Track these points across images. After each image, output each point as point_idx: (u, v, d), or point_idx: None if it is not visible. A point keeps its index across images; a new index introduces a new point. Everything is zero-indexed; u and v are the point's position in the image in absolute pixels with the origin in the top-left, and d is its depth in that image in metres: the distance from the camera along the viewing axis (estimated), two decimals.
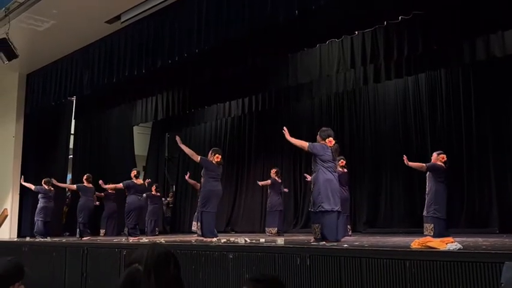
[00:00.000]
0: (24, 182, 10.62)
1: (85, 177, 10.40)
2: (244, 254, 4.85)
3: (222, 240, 6.16)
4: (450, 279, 3.34)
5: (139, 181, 9.62)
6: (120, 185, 9.43)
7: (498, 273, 3.12)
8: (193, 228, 10.77)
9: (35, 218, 10.20)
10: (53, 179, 10.38)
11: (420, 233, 6.90)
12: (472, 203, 8.50)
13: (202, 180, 7.57)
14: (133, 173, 9.57)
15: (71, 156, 12.71)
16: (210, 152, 7.65)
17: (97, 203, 10.88)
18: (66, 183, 12.59)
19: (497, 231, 7.90)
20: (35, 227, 10.17)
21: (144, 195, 10.44)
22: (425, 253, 3.63)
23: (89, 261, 6.84)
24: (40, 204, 10.16)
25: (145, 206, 10.65)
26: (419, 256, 3.59)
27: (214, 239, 6.69)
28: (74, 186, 10.50)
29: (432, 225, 6.83)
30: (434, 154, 7.24)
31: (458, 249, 3.57)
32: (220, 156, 7.49)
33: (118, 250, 6.43)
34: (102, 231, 11.22)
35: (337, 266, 4.04)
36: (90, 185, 10.38)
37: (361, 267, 3.88)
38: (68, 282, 7.11)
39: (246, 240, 5.81)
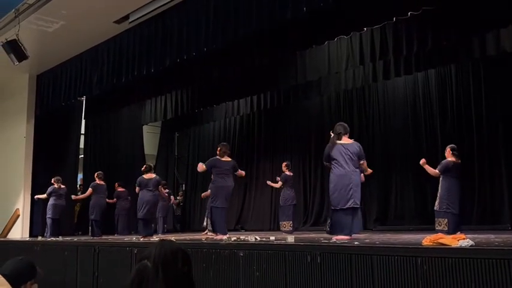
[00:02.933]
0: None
1: (96, 174, 10.40)
2: (254, 252, 4.85)
3: (232, 238, 6.17)
4: (462, 276, 3.31)
5: (150, 175, 9.21)
6: (138, 189, 9.06)
7: (511, 270, 3.09)
8: (205, 223, 10.81)
9: (46, 217, 10.25)
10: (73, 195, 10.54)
11: (431, 229, 6.86)
12: (483, 200, 8.44)
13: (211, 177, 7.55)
14: (143, 168, 9.27)
15: (82, 156, 12.80)
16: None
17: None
18: (77, 182, 12.69)
19: (509, 228, 7.85)
20: (46, 226, 10.22)
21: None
22: (437, 250, 3.60)
23: (100, 260, 6.87)
24: (50, 202, 10.20)
25: (157, 201, 10.52)
26: (431, 253, 3.57)
27: (225, 237, 6.69)
28: (90, 190, 10.24)
29: (446, 220, 6.79)
30: (448, 149, 7.20)
31: (470, 245, 3.54)
32: (220, 148, 7.45)
33: (129, 249, 6.45)
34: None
35: (347, 263, 4.03)
36: (102, 182, 10.35)
37: (372, 265, 3.86)
38: (80, 281, 7.16)
39: (256, 238, 5.81)
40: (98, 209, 10.14)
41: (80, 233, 11.53)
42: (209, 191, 9.51)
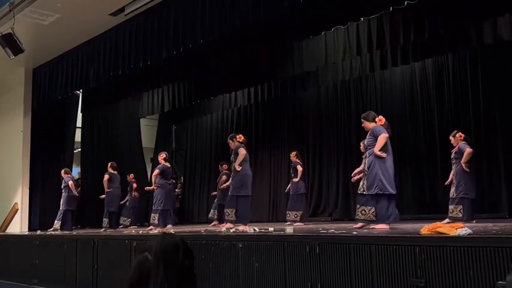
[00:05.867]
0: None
1: (110, 164, 10.20)
2: (253, 243, 4.87)
3: (231, 230, 6.19)
4: (460, 264, 3.33)
5: (169, 164, 9.05)
6: (157, 171, 8.80)
7: (508, 258, 3.11)
8: (211, 215, 10.80)
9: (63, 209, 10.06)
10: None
11: (429, 218, 6.88)
12: (481, 188, 8.44)
13: (233, 165, 7.42)
14: (163, 155, 8.98)
15: (79, 149, 12.78)
16: (230, 139, 7.56)
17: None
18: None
19: (507, 216, 7.88)
20: (64, 219, 9.99)
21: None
22: (435, 239, 3.61)
23: (99, 253, 6.89)
24: (65, 194, 10.05)
25: (174, 190, 10.30)
26: (429, 242, 3.58)
27: (240, 228, 6.66)
28: (106, 177, 10.00)
29: (461, 206, 6.79)
30: (451, 137, 7.22)
31: (468, 234, 3.55)
32: (242, 136, 7.45)
33: (128, 241, 6.47)
34: (127, 221, 11.30)
35: (346, 253, 4.05)
36: (115, 172, 10.20)
37: (370, 254, 3.87)
38: (80, 274, 7.17)
39: (254, 230, 5.82)
40: (116, 200, 10.04)
41: (78, 226, 11.54)
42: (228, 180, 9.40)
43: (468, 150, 6.87)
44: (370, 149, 5.75)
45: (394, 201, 5.77)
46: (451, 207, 6.89)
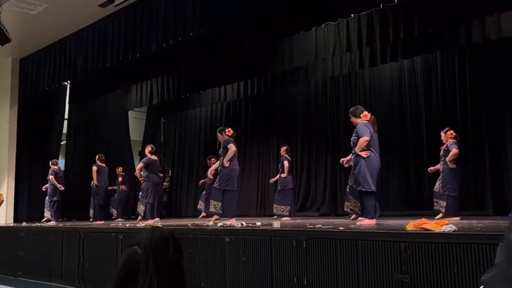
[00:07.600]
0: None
1: (97, 157, 10.11)
2: (240, 238, 4.88)
3: (219, 224, 6.19)
4: (445, 260, 3.37)
5: (155, 157, 8.96)
6: (140, 164, 8.80)
7: (493, 254, 3.15)
8: (199, 207, 10.82)
9: (49, 200, 10.01)
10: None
11: (415, 215, 6.93)
12: (466, 185, 8.54)
13: (221, 159, 7.37)
14: (148, 149, 8.92)
15: (65, 141, 12.66)
16: (219, 132, 7.52)
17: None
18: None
19: (492, 213, 7.98)
20: (51, 210, 9.95)
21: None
22: (421, 235, 3.65)
23: (85, 246, 6.86)
24: (49, 185, 10.00)
25: (161, 184, 10.28)
26: (414, 238, 3.62)
27: (228, 222, 6.65)
28: (95, 168, 9.93)
29: (445, 203, 6.89)
30: (442, 134, 7.29)
31: (453, 231, 3.59)
32: (231, 130, 7.42)
33: (115, 234, 6.44)
34: (114, 212, 11.25)
35: (333, 248, 4.08)
36: (103, 165, 10.12)
37: (356, 250, 3.91)
38: (66, 267, 7.14)
39: (242, 224, 5.83)
40: (102, 192, 9.98)
41: (65, 219, 11.46)
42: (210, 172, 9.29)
43: (454, 150, 6.96)
44: (355, 146, 5.79)
45: (377, 197, 5.85)
46: (435, 200, 7.04)
